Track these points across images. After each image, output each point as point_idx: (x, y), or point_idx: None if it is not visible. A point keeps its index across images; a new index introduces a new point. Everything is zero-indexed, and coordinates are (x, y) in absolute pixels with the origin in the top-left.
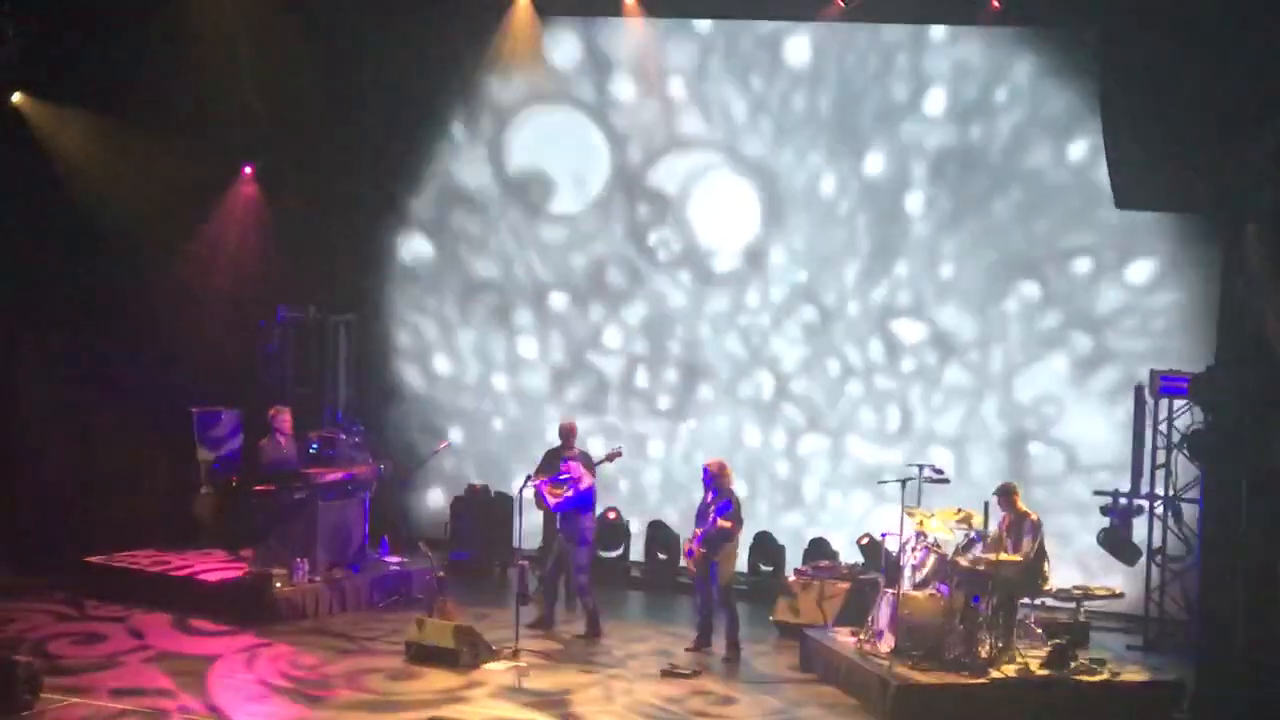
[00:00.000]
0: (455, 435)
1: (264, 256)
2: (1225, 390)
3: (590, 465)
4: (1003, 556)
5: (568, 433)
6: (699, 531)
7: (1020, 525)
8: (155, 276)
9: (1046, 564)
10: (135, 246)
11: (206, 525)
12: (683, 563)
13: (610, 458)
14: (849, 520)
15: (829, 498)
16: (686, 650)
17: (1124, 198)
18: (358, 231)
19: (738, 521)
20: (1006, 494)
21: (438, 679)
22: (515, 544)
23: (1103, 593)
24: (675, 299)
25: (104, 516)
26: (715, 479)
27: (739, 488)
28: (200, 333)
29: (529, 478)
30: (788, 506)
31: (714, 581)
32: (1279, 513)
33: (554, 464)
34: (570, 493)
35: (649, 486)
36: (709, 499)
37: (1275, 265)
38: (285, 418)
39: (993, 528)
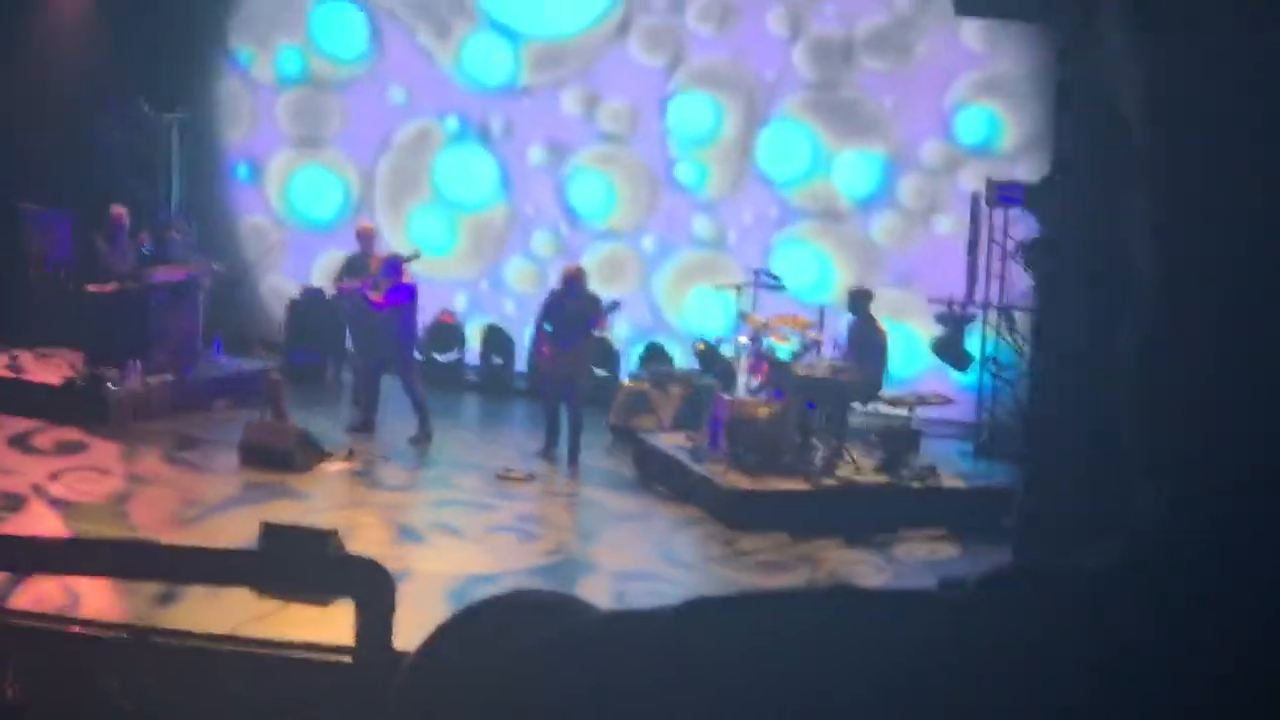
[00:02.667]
0: (290, 236)
1: (92, 51)
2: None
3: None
4: (838, 363)
5: (367, 236)
6: (570, 332)
7: (865, 333)
8: None
9: (883, 373)
10: None
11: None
12: (545, 367)
13: (412, 257)
14: (686, 325)
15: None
16: (536, 454)
17: (963, 3)
18: (190, 25)
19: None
20: (862, 297)
21: (271, 479)
22: (348, 346)
23: (935, 400)
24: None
25: None
26: (577, 283)
27: None
28: (29, 127)
29: (337, 283)
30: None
31: (573, 388)
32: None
33: (360, 267)
34: (382, 295)
35: (486, 291)
36: (567, 302)
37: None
38: (122, 218)
39: (840, 332)
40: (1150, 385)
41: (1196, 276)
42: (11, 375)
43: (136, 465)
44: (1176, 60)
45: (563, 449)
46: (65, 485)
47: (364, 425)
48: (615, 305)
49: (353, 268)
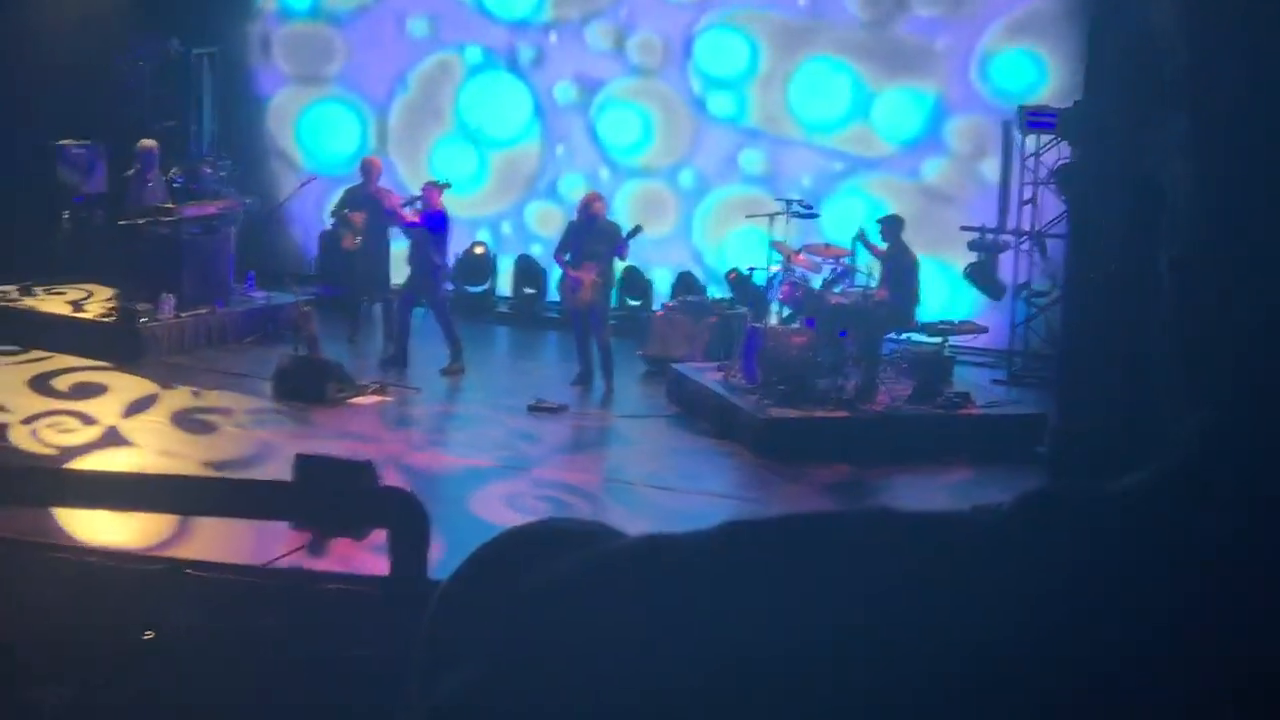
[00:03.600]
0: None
1: None
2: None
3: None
4: (870, 290)
5: (372, 169)
6: (592, 263)
7: (898, 260)
8: (12, 7)
9: (915, 300)
10: None
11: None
12: (569, 297)
13: (444, 186)
14: (718, 259)
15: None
16: (572, 385)
17: None
18: None
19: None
20: (892, 225)
21: (304, 412)
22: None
23: (968, 328)
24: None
25: None
26: (598, 212)
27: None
28: (61, 66)
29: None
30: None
31: (597, 315)
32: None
33: (361, 200)
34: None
35: (513, 227)
36: (591, 231)
37: None
38: (152, 152)
39: (870, 261)
40: (1187, 305)
41: (1233, 194)
42: (46, 310)
43: (169, 399)
44: None
45: (598, 378)
46: (96, 420)
47: (396, 358)
48: (636, 230)
49: (353, 200)
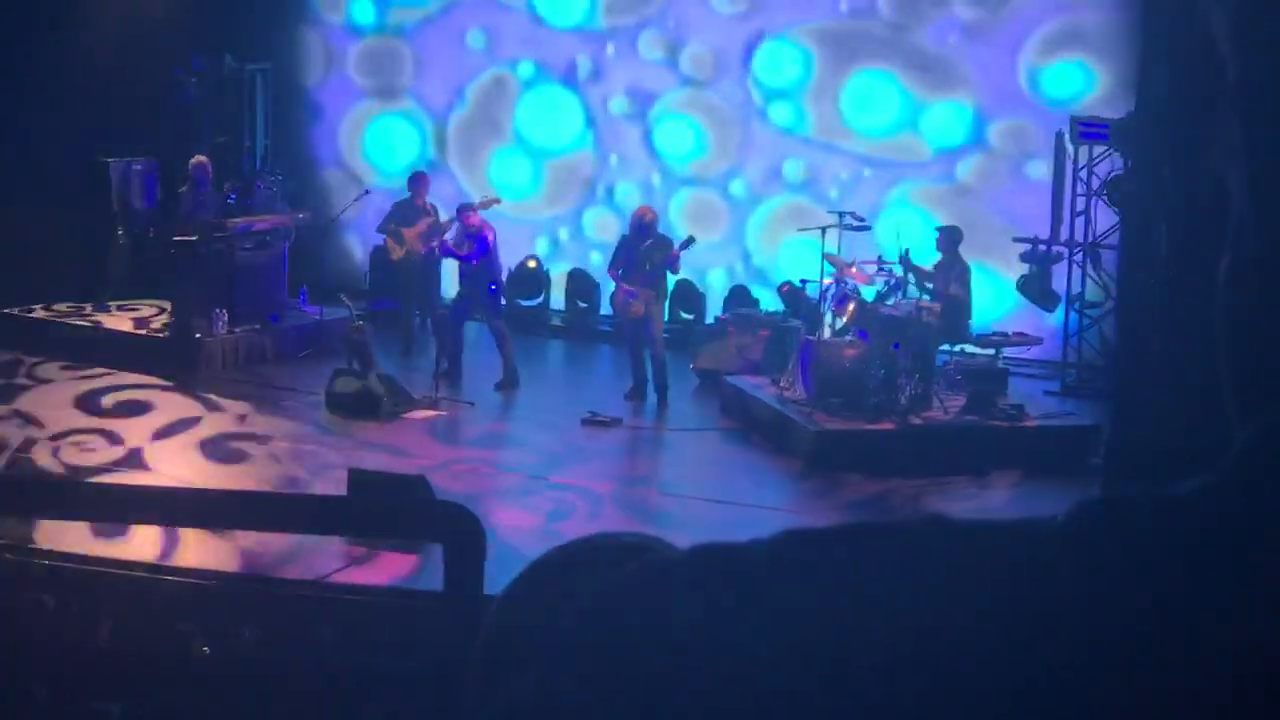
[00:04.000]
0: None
1: (175, 5)
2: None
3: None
4: (923, 302)
5: (421, 183)
6: (642, 275)
7: (951, 270)
8: (66, 24)
9: (969, 312)
10: None
11: (123, 274)
12: (621, 311)
13: (485, 204)
14: (771, 267)
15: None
16: (626, 399)
17: None
18: None
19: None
20: (951, 236)
21: (358, 428)
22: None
23: (1022, 340)
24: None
25: (17, 270)
26: (650, 225)
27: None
28: (113, 83)
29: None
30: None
31: (650, 329)
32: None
33: (409, 214)
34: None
35: (570, 235)
36: (638, 245)
37: None
38: (205, 168)
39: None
40: (1246, 313)
41: None
42: (102, 326)
43: (224, 416)
44: None
45: (651, 392)
46: (154, 437)
47: (449, 372)
48: (689, 242)
49: (402, 215)
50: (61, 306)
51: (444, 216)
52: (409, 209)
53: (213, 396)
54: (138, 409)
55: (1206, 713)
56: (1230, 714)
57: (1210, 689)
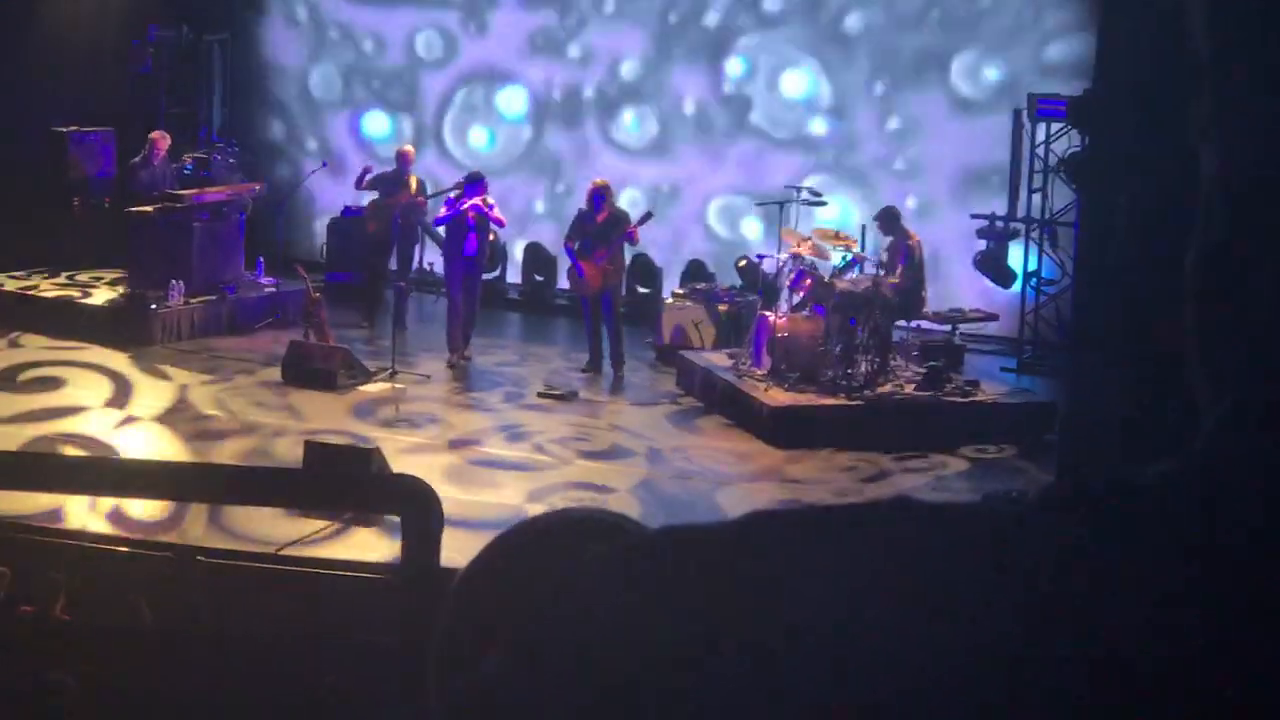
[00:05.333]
0: (330, 157)
1: None
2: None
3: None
4: (879, 278)
5: (406, 158)
6: (602, 250)
7: (898, 247)
8: None
9: (924, 287)
10: None
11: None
12: (578, 285)
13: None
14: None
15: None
16: (582, 372)
17: None
18: None
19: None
20: (888, 217)
21: (313, 400)
22: (391, 265)
23: (978, 316)
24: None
25: None
26: (606, 198)
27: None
28: (70, 53)
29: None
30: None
31: (610, 302)
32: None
33: (396, 185)
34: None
35: (526, 210)
36: (599, 218)
37: None
38: (161, 139)
39: (880, 247)
40: (1214, 293)
41: (1264, 181)
42: (57, 297)
43: (179, 386)
44: None
45: (607, 366)
46: (107, 407)
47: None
48: (647, 216)
49: (385, 187)
50: (16, 276)
51: (430, 190)
52: (392, 182)
53: (165, 367)
54: (95, 379)
55: (1176, 702)
56: (1200, 702)
57: (1182, 675)
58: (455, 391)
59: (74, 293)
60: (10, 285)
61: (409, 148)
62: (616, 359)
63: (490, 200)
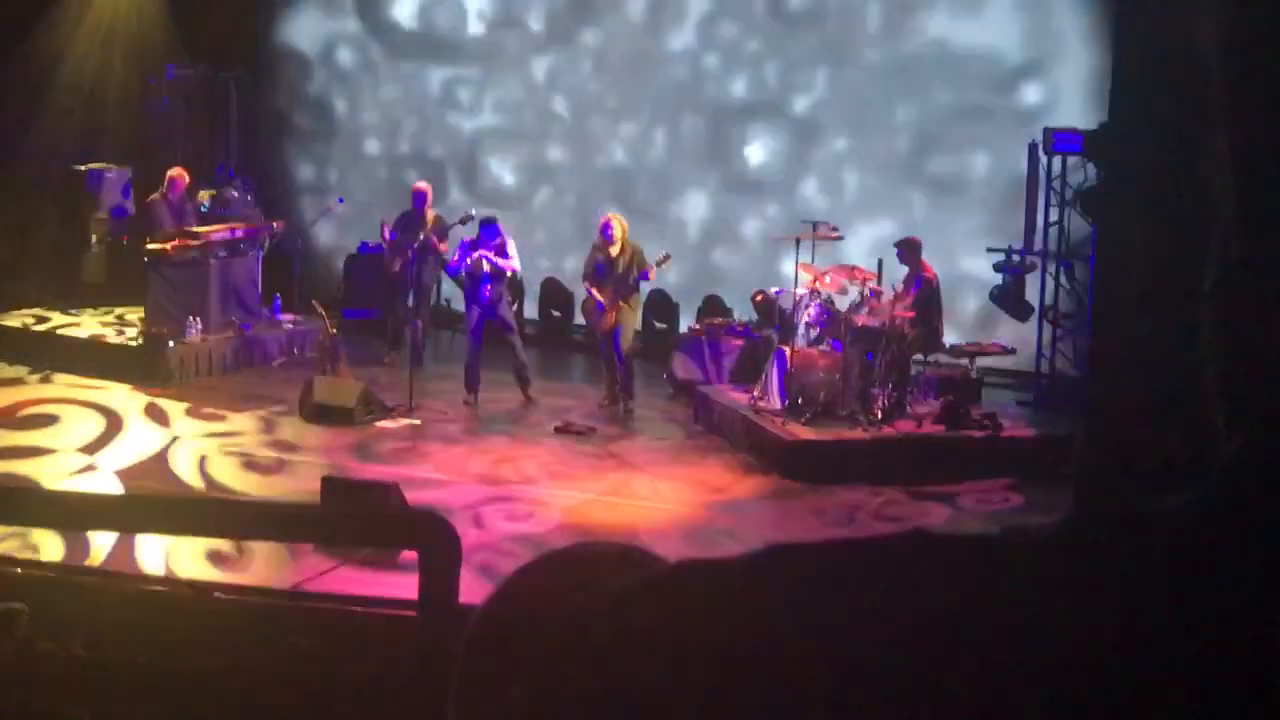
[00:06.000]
0: (349, 194)
1: (150, 13)
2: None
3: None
4: (897, 313)
5: (421, 195)
6: (611, 288)
7: (913, 279)
8: (39, 32)
9: (940, 321)
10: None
11: (96, 282)
12: (593, 320)
13: (464, 220)
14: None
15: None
16: (601, 406)
17: None
18: None
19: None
20: (911, 247)
21: (332, 436)
22: (409, 302)
23: (995, 350)
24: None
25: None
26: (613, 230)
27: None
28: (88, 91)
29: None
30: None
31: (619, 338)
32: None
33: (411, 224)
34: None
35: (539, 243)
36: (612, 253)
37: None
38: (180, 177)
39: (896, 283)
40: (1232, 323)
41: (1272, 211)
42: (76, 334)
43: (196, 423)
44: None
45: (622, 400)
46: (126, 443)
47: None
48: (665, 259)
49: (404, 224)
50: (35, 312)
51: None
52: (410, 219)
53: (184, 403)
54: (108, 414)
55: None
56: None
57: (1200, 701)
58: (472, 428)
59: (103, 331)
60: (36, 324)
61: (423, 184)
62: (627, 393)
63: (505, 242)
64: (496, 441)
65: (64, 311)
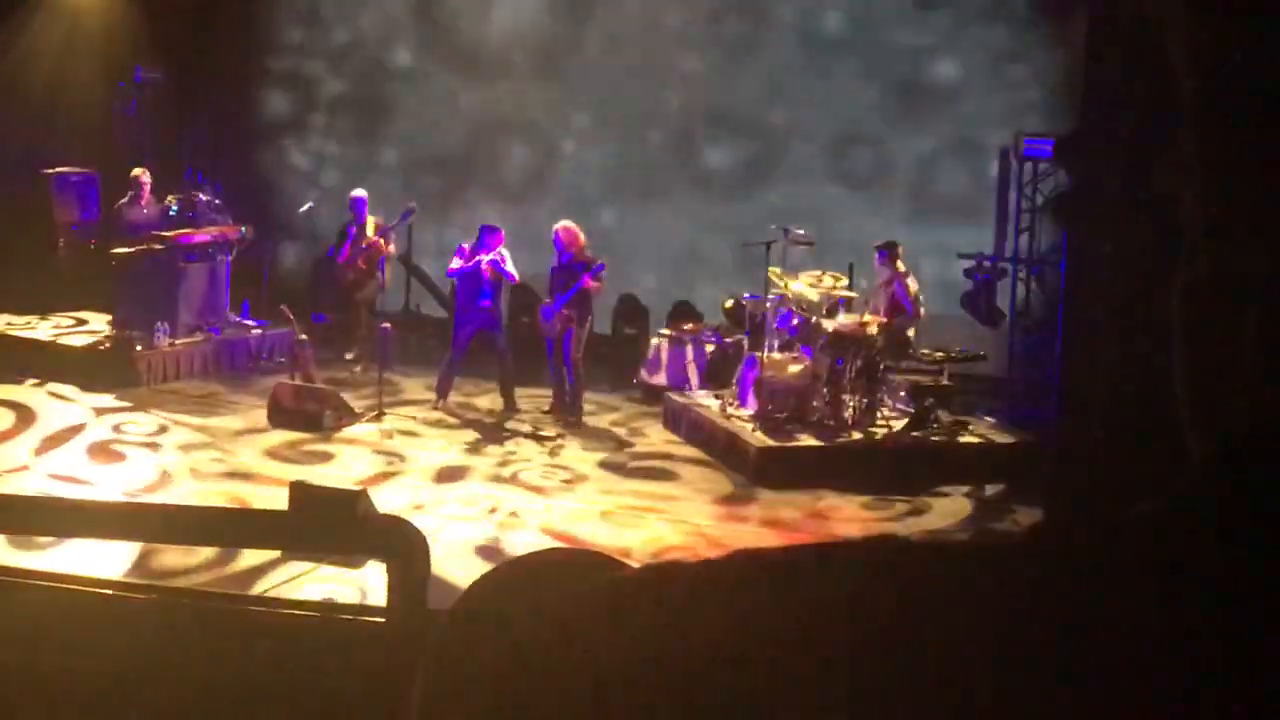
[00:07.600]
0: (318, 199)
1: (117, 15)
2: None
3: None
4: (867, 319)
5: (358, 203)
6: (560, 295)
7: (890, 283)
8: (3, 35)
9: (912, 328)
10: None
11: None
12: (542, 328)
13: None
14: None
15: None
16: (543, 412)
17: None
18: None
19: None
20: (890, 250)
21: (299, 442)
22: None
23: (966, 356)
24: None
25: None
26: (568, 245)
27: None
28: (55, 94)
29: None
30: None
31: (569, 346)
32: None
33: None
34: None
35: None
36: (563, 263)
37: None
38: (143, 178)
39: (867, 288)
40: (1201, 329)
41: (1246, 218)
42: (41, 339)
43: (164, 428)
44: (1226, 7)
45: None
46: (94, 450)
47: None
48: (599, 268)
49: (348, 229)
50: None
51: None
52: (349, 227)
53: (151, 409)
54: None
55: None
56: None
57: (1170, 705)
58: (442, 433)
59: (61, 334)
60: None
61: (360, 192)
62: (575, 406)
63: (504, 253)
64: (463, 447)
65: (30, 317)
